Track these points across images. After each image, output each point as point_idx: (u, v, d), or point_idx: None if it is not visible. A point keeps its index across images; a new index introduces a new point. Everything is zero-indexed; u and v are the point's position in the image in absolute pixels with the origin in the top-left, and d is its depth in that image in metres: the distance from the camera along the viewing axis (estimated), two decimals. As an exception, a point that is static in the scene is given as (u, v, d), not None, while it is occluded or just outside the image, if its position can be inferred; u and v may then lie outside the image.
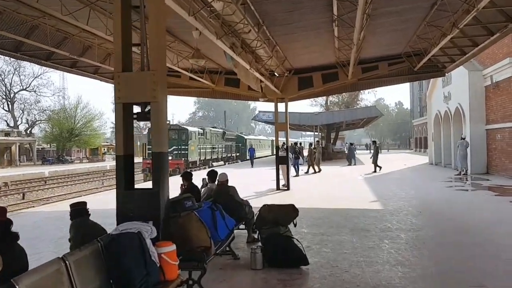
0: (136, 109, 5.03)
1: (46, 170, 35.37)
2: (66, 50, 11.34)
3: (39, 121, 59.93)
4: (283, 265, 6.00)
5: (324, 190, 16.00)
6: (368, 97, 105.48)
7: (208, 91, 16.13)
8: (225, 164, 38.30)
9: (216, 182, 7.66)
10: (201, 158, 32.95)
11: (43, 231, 9.36)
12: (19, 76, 57.20)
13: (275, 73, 14.78)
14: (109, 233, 4.09)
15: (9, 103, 57.61)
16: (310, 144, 26.99)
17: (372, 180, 19.21)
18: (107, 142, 64.69)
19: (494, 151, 19.94)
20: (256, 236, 7.31)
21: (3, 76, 56.34)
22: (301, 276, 5.72)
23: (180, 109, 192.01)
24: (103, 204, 10.30)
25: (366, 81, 15.30)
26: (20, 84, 57.69)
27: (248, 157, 38.48)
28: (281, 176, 16.09)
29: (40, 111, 60.04)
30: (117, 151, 4.79)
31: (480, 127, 20.72)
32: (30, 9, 8.53)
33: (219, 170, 8.01)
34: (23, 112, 59.84)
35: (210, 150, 35.50)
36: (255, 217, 7.01)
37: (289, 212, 6.74)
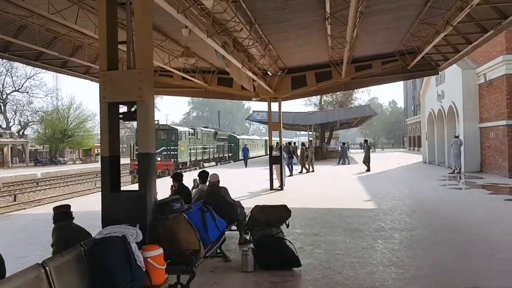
0: (123, 109, 4.91)
1: (39, 171, 35.05)
2: (55, 50, 11.19)
3: (32, 122, 59.47)
4: (275, 267, 5.88)
5: (318, 190, 15.92)
6: (362, 96, 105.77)
7: (201, 91, 16.00)
8: (217, 164, 37.48)
9: (207, 183, 7.54)
10: (192, 159, 32.07)
11: (32, 234, 9.18)
12: (11, 77, 56.77)
13: (268, 72, 14.67)
14: (92, 237, 3.95)
15: (1, 104, 57.01)
16: (302, 144, 26.89)
17: (366, 179, 19.15)
18: (100, 143, 63.90)
19: (487, 149, 19.96)
20: (248, 237, 7.19)
21: (-5, 77, 55.88)
22: (293, 278, 5.60)
23: (174, 109, 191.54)
24: (94, 206, 10.13)
25: (360, 80, 15.23)
26: (13, 85, 57.27)
27: (241, 157, 38.10)
28: (274, 176, 15.99)
29: (33, 112, 59.55)
30: (102, 152, 4.66)
31: (474, 125, 20.73)
32: (18, 8, 8.36)
33: (211, 171, 7.88)
34: (15, 114, 59.37)
35: (201, 150, 34.64)
36: (247, 218, 6.89)
37: (281, 212, 6.60)
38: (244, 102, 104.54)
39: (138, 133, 4.70)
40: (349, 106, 52.69)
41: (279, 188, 15.71)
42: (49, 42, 10.98)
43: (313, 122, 38.23)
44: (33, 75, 57.63)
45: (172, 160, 28.32)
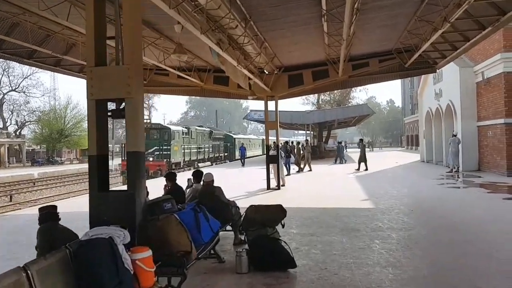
0: (113, 106, 4.77)
1: (36, 171, 34.88)
2: (49, 48, 11.04)
3: (29, 122, 59.23)
4: (270, 268, 5.75)
5: (315, 189, 15.81)
6: (359, 95, 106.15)
7: (197, 89, 15.87)
8: (212, 164, 36.74)
9: (201, 183, 7.41)
10: (186, 159, 31.04)
11: (24, 235, 8.97)
12: (8, 77, 56.50)
13: (265, 71, 14.54)
14: (78, 239, 3.82)
15: (-3, 104, 56.90)
16: (298, 143, 26.71)
17: (363, 178, 19.05)
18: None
19: (485, 148, 19.87)
20: (243, 238, 7.06)
21: (-9, 77, 55.60)
22: (288, 280, 5.47)
23: (171, 109, 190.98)
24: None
25: (357, 78, 15.12)
26: (9, 85, 57.01)
27: (238, 157, 37.55)
28: (272, 176, 15.87)
29: (30, 112, 59.39)
30: (90, 151, 4.52)
31: (472, 124, 20.63)
32: (9, 5, 8.19)
33: (207, 171, 7.75)
34: (12, 113, 59.19)
35: (196, 150, 33.70)
36: (242, 218, 6.76)
37: (277, 212, 6.47)
38: (242, 101, 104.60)
39: (127, 131, 4.54)
40: (346, 105, 52.60)
41: (276, 188, 15.59)
42: (42, 40, 10.84)
43: (311, 121, 38.17)
44: (30, 75, 57.50)
45: (165, 160, 27.37)
